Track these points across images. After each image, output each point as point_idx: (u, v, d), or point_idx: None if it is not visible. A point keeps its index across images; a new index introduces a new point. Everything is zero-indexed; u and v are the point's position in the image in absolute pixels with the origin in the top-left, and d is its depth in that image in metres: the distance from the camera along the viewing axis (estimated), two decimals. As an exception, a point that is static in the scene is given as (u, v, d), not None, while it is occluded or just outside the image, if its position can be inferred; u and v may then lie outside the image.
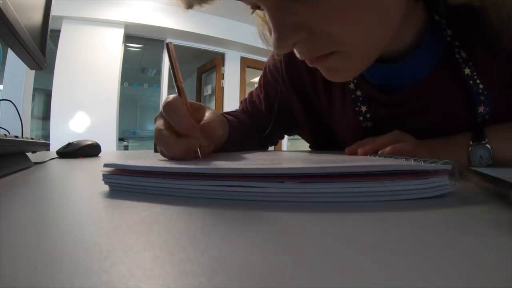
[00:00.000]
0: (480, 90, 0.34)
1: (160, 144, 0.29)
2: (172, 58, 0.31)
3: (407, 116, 0.39)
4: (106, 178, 0.21)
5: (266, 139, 0.60)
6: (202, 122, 0.31)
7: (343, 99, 0.44)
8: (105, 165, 0.22)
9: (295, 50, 0.30)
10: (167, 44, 0.32)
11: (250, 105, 0.61)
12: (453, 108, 0.37)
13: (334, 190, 0.17)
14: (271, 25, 0.27)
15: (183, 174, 0.19)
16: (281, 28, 0.26)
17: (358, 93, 0.42)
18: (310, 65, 0.31)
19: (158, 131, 0.28)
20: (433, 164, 0.18)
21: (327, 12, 0.25)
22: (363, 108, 0.42)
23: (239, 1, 0.29)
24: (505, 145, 0.32)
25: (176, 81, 0.32)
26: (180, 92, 0.31)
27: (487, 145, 0.32)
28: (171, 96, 0.29)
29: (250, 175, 0.17)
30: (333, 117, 0.48)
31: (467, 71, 0.34)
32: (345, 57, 0.29)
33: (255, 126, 0.58)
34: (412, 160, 0.22)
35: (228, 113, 0.57)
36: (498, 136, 0.32)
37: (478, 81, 0.34)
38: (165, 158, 0.29)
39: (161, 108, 0.29)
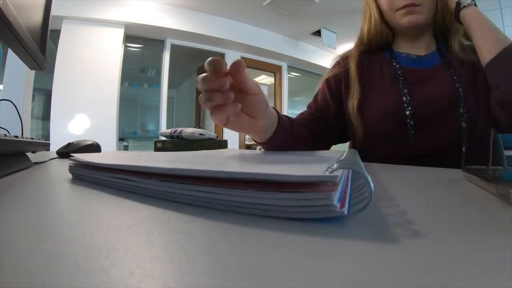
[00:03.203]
0: (458, 85, 0.55)
1: (201, 80, 0.31)
2: None
3: (426, 82, 0.58)
4: (72, 169, 0.27)
5: (324, 140, 0.65)
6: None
7: (381, 73, 0.63)
8: (71, 159, 0.28)
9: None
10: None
11: (314, 105, 0.68)
12: (444, 83, 0.57)
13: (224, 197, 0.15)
14: None
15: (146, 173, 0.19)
16: None
17: (397, 66, 0.62)
18: (405, 8, 0.58)
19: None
20: (302, 174, 0.13)
21: None
22: (400, 72, 0.61)
23: None
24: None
25: None
26: None
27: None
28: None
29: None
30: (372, 90, 0.62)
31: (452, 71, 0.57)
32: (422, 8, 0.58)
33: (311, 129, 0.62)
34: (307, 166, 0.18)
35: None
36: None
37: (458, 80, 0.56)
38: None
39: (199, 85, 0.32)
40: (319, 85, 0.72)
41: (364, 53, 0.67)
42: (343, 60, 0.69)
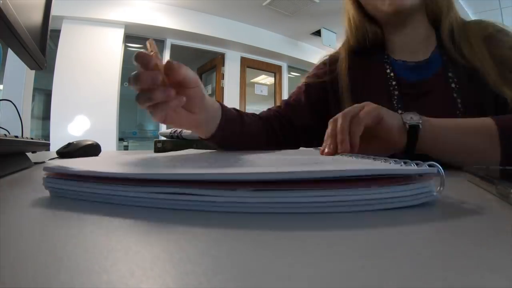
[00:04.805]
0: (459, 100, 0.49)
1: (132, 79, 0.31)
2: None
3: (422, 98, 0.52)
4: (48, 182, 0.19)
5: (281, 140, 0.60)
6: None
7: (374, 82, 0.56)
8: (45, 169, 0.19)
9: None
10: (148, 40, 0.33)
11: (285, 103, 0.64)
12: (443, 102, 0.50)
13: (297, 200, 0.14)
14: None
15: (128, 180, 0.17)
16: None
17: (392, 74, 0.55)
18: None
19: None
20: (415, 167, 0.16)
21: None
22: (394, 82, 0.54)
23: None
24: (434, 121, 0.38)
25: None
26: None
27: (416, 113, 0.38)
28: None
29: (198, 181, 0.15)
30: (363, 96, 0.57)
31: (453, 85, 0.50)
32: None
33: (270, 126, 0.59)
34: (391, 162, 0.20)
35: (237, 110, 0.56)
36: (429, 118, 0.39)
37: (456, 95, 0.49)
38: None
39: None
40: (300, 82, 0.67)
41: (355, 56, 0.60)
42: (331, 63, 0.63)
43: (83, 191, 0.18)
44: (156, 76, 0.30)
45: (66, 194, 0.18)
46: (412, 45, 0.55)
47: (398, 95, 0.53)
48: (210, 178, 0.15)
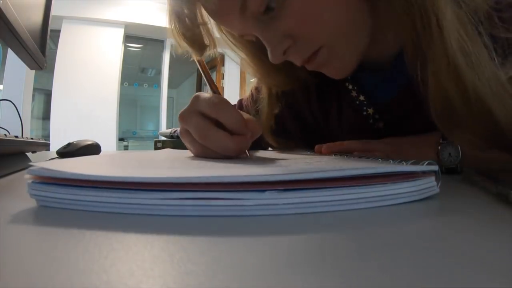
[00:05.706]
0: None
1: (211, 142, 0.27)
2: (204, 70, 0.34)
3: (407, 115, 0.40)
4: (33, 189, 0.15)
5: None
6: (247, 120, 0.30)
7: (339, 111, 0.45)
8: (30, 172, 0.15)
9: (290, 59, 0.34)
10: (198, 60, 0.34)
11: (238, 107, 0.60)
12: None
13: (323, 198, 0.14)
14: (265, 44, 0.33)
15: (137, 184, 0.14)
16: (271, 43, 0.32)
17: (362, 97, 0.42)
18: (310, 69, 0.35)
19: (205, 129, 0.27)
20: (421, 166, 0.17)
21: (295, 19, 0.30)
22: (370, 111, 0.42)
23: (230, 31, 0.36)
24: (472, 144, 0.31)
25: (211, 87, 0.35)
26: (217, 93, 0.32)
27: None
28: (214, 95, 0.29)
29: (223, 183, 0.14)
30: (332, 130, 0.47)
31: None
32: (330, 49, 0.33)
33: None
34: (391, 161, 0.21)
35: None
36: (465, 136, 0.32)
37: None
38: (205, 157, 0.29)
39: (202, 108, 0.28)
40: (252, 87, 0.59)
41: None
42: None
43: (78, 200, 0.15)
44: (247, 147, 0.29)
45: (56, 204, 0.15)
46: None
47: (378, 125, 0.42)
48: (253, 179, 0.14)
